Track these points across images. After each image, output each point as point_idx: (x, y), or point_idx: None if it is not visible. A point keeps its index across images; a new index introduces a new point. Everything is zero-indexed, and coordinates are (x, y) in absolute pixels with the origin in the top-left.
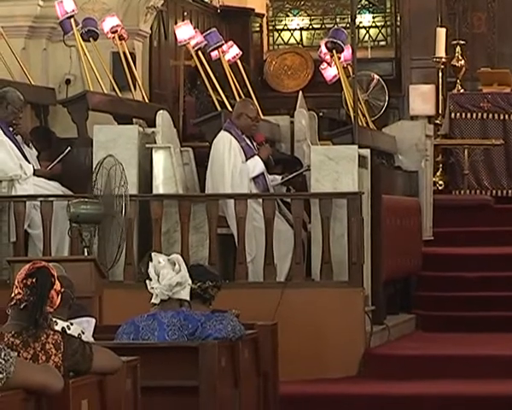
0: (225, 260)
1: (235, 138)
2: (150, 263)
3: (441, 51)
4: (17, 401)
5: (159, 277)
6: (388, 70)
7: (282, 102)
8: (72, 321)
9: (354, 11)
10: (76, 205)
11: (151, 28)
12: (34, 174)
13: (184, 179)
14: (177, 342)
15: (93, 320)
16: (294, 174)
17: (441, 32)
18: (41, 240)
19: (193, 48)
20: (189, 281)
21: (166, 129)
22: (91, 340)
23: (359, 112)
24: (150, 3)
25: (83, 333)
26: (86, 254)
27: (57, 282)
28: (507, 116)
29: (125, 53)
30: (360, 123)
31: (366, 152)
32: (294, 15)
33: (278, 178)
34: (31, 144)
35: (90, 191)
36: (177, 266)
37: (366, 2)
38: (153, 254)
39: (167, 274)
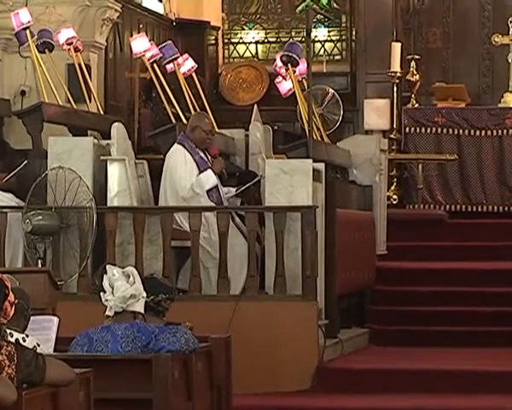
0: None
1: (189, 152)
2: (105, 275)
3: (396, 66)
4: None
5: (113, 289)
6: (343, 84)
7: (237, 116)
8: (33, 319)
9: (309, 25)
10: (31, 217)
11: (106, 40)
12: None
13: (139, 192)
14: (130, 355)
15: (56, 319)
16: (248, 185)
17: (396, 47)
18: None
19: (148, 60)
20: (144, 294)
21: (121, 141)
22: (53, 338)
23: (314, 126)
24: (106, 15)
25: (38, 345)
26: (40, 265)
27: (11, 293)
28: (461, 131)
29: (80, 65)
30: (315, 137)
31: (321, 166)
32: (250, 29)
33: (233, 190)
34: None
35: (41, 202)
36: (131, 278)
37: (321, 17)
38: (107, 266)
39: (121, 286)
